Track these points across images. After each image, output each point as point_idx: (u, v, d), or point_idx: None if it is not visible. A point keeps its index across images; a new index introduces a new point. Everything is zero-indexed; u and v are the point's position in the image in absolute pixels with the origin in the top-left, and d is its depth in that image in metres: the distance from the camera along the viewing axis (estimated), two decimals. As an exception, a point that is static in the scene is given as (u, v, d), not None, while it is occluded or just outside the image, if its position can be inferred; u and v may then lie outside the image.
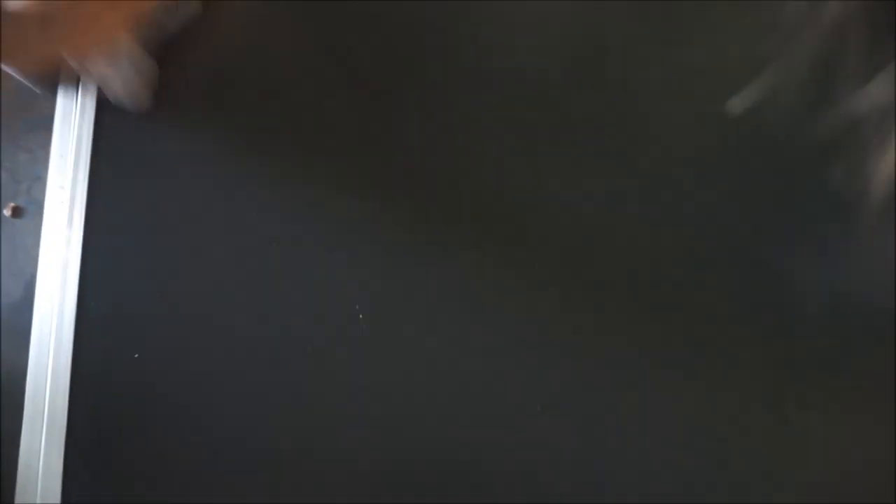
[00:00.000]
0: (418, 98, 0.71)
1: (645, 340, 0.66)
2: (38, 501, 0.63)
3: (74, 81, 0.71)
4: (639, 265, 0.68)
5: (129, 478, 0.65)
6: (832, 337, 0.66)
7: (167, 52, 0.70)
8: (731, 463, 0.64)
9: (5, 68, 0.63)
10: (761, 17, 0.71)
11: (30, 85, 0.70)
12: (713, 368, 0.66)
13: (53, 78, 0.71)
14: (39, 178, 0.71)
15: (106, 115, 0.71)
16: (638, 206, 0.69)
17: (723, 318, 0.67)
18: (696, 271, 0.67)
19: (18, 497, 0.63)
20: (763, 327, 0.66)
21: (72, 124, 0.71)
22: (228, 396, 0.67)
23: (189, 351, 0.67)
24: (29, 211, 0.70)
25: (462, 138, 0.70)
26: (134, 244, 0.69)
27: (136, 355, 0.67)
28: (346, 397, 0.66)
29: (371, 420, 0.65)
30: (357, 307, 0.66)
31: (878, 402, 0.65)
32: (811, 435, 0.64)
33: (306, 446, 0.65)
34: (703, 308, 0.67)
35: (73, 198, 0.70)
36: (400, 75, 0.72)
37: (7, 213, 0.64)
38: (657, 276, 0.67)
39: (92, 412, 0.66)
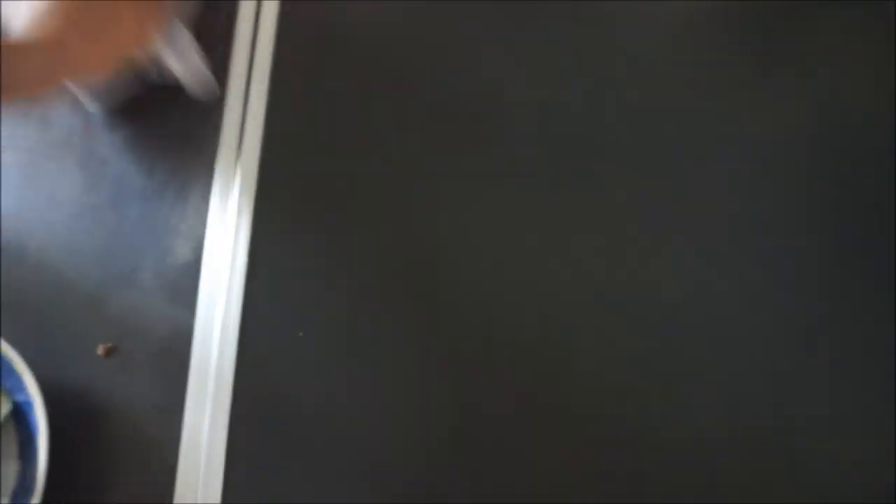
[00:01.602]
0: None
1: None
2: (202, 467, 0.63)
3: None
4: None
5: (293, 448, 0.63)
6: None
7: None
8: None
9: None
10: None
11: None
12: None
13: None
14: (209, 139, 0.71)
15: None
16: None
17: None
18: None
19: (182, 460, 0.63)
20: None
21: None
22: (392, 380, 0.64)
23: (358, 327, 0.65)
24: (200, 175, 0.70)
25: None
26: (305, 209, 0.68)
27: (301, 333, 0.65)
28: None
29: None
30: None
31: None
32: None
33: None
34: None
35: (244, 161, 0.69)
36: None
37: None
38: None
39: (257, 378, 0.65)
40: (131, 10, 0.61)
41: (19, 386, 0.60)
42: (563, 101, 0.70)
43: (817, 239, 0.66)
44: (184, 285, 0.67)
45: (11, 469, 0.60)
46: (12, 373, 0.60)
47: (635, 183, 0.68)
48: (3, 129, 0.72)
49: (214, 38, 0.72)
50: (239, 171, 0.69)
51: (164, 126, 0.71)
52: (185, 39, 0.66)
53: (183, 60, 0.67)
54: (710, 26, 0.73)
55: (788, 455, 0.61)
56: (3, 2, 0.60)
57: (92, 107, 0.71)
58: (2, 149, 0.72)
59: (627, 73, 0.71)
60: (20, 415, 0.60)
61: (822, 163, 0.68)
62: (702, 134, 0.69)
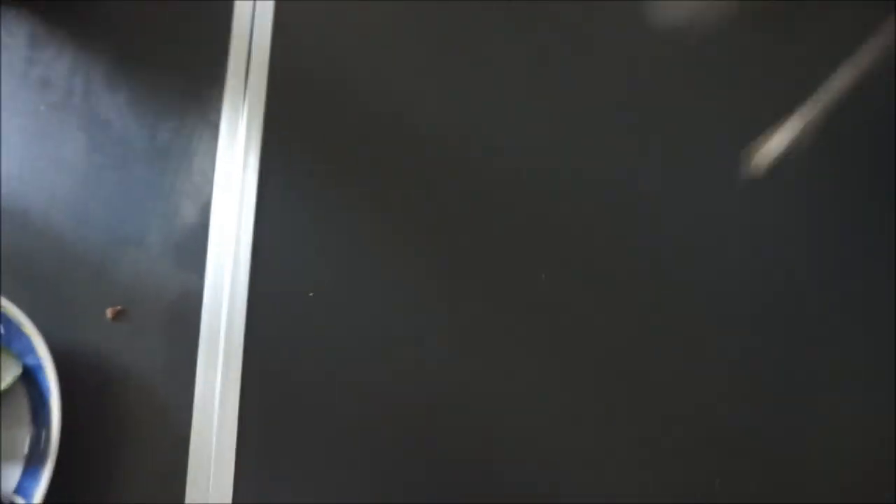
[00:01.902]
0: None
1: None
2: (214, 428, 0.62)
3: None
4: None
5: (304, 409, 0.62)
6: None
7: None
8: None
9: None
10: None
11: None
12: None
13: None
14: (214, 99, 0.69)
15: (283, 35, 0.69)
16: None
17: None
18: None
19: (195, 422, 0.62)
20: None
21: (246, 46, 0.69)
22: (403, 339, 0.63)
23: (366, 290, 0.64)
24: (205, 134, 0.68)
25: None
26: (312, 166, 0.66)
27: (311, 294, 0.64)
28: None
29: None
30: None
31: None
32: None
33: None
34: None
35: (249, 118, 0.67)
36: None
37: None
38: None
39: (268, 339, 0.64)
40: None
41: (29, 349, 0.59)
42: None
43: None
44: (191, 247, 0.66)
45: (24, 434, 0.59)
46: (21, 336, 0.59)
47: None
48: (2, 91, 0.71)
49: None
50: (243, 129, 0.67)
51: (167, 85, 0.70)
52: None
53: None
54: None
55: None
56: None
57: None
58: (2, 112, 0.70)
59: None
60: (31, 379, 0.59)
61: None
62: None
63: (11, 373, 0.59)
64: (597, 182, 0.66)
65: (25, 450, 0.58)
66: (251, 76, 0.69)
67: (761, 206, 0.65)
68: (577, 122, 0.67)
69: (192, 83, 0.69)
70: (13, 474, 0.57)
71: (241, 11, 0.70)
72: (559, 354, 0.62)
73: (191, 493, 0.60)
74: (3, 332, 0.59)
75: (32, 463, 0.57)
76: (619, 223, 0.65)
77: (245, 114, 0.68)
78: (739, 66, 0.68)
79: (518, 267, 0.65)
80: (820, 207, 0.65)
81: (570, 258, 0.64)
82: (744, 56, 0.69)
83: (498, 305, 0.64)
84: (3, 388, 0.58)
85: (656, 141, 0.66)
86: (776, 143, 0.63)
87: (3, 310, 0.59)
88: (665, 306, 0.63)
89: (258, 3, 0.70)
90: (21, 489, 0.57)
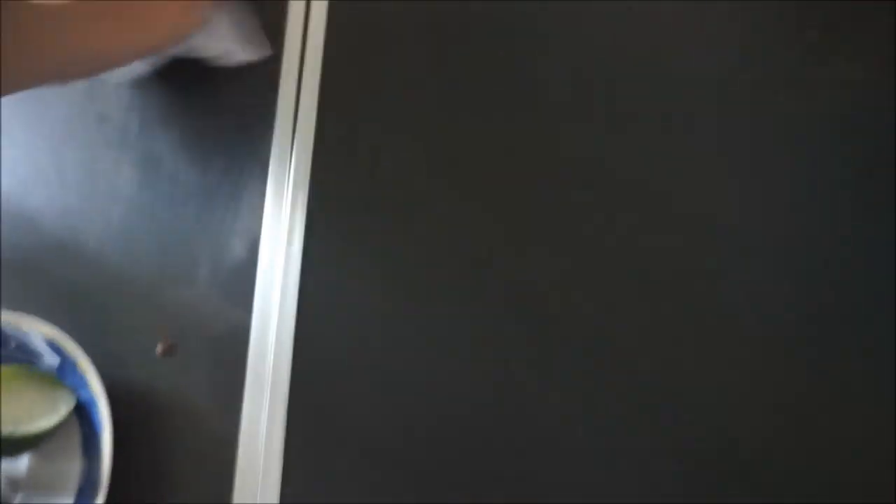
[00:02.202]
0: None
1: None
2: (260, 464, 0.62)
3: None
4: None
5: (350, 445, 0.63)
6: None
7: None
8: None
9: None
10: None
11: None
12: None
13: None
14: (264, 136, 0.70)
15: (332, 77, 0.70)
16: None
17: None
18: None
19: (240, 458, 0.63)
20: None
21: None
22: (448, 375, 0.63)
23: (412, 327, 0.64)
24: (254, 172, 0.69)
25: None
26: (360, 204, 0.67)
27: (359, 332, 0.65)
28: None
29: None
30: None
31: None
32: None
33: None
34: None
35: (297, 156, 0.68)
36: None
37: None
38: None
39: (314, 375, 0.64)
40: None
41: (82, 384, 0.60)
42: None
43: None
44: (240, 283, 0.67)
45: (76, 467, 0.60)
46: (75, 371, 0.61)
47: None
48: (62, 125, 0.73)
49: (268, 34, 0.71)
50: (293, 167, 0.68)
51: (218, 124, 0.71)
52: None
53: (232, 26, 0.66)
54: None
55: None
56: None
57: (139, 68, 0.68)
58: (62, 145, 0.72)
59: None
60: (83, 413, 0.61)
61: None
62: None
63: (66, 405, 0.60)
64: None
65: (79, 481, 0.60)
66: (300, 117, 0.70)
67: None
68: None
69: (243, 122, 0.71)
70: (65, 507, 0.59)
71: (290, 50, 0.71)
72: (604, 392, 0.62)
73: (237, 526, 0.61)
74: (59, 364, 0.61)
75: (84, 496, 0.59)
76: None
77: (294, 152, 0.69)
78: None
79: (563, 308, 0.64)
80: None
81: (618, 304, 0.64)
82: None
83: (543, 346, 0.63)
84: (59, 420, 0.60)
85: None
86: None
87: (59, 344, 0.61)
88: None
89: (308, 45, 0.71)
90: (73, 521, 0.58)
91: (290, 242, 0.67)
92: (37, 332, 0.61)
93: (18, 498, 0.61)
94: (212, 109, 0.71)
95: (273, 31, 0.72)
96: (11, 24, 0.48)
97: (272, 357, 0.65)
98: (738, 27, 0.68)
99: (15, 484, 0.61)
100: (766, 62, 0.67)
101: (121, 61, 0.62)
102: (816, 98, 0.65)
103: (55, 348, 0.61)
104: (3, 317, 0.62)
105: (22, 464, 0.62)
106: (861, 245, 0.63)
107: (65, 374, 0.61)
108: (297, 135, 0.69)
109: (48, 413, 0.60)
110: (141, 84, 0.72)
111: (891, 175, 0.63)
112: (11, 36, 0.48)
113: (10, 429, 0.58)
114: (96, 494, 0.57)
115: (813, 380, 0.61)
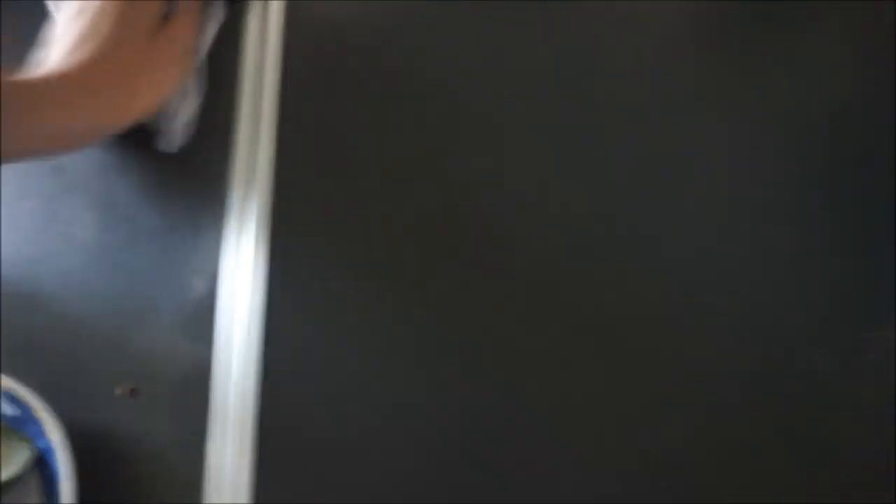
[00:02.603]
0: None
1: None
2: (227, 499, 0.61)
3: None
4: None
5: (318, 480, 0.62)
6: None
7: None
8: None
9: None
10: None
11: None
12: None
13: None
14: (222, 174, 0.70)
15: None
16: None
17: None
18: None
19: (208, 495, 0.62)
20: None
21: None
22: (419, 408, 0.63)
23: (389, 356, 0.64)
24: (214, 210, 0.69)
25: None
26: (322, 235, 0.67)
27: (326, 359, 0.64)
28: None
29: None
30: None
31: None
32: None
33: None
34: None
35: (258, 193, 0.69)
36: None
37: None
38: None
39: (280, 410, 0.64)
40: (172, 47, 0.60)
41: (41, 433, 0.59)
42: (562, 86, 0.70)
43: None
44: (202, 322, 0.67)
45: (36, 518, 0.59)
46: (34, 420, 0.59)
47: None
48: (18, 177, 0.73)
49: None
50: (253, 203, 0.69)
51: (177, 166, 0.71)
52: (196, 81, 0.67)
53: (184, 104, 0.67)
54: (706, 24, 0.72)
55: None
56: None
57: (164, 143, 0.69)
58: (18, 199, 0.72)
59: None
60: (42, 461, 0.59)
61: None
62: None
63: (24, 456, 0.59)
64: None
65: (38, 534, 0.58)
66: (259, 154, 0.70)
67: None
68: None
69: (200, 161, 0.71)
70: (26, 560, 0.57)
71: (249, 91, 0.72)
72: (582, 426, 0.62)
73: (205, 570, 0.60)
74: (17, 415, 0.60)
75: (46, 548, 0.57)
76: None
77: (255, 187, 0.69)
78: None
79: (539, 335, 0.64)
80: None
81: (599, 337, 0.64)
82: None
83: (518, 376, 0.63)
84: (17, 472, 0.58)
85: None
86: None
87: (16, 394, 0.59)
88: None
89: (264, 88, 0.72)
90: (34, 576, 0.56)
91: (253, 277, 0.67)
92: (-7, 384, 0.60)
93: (-21, 555, 0.59)
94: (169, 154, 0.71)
95: (228, 72, 0.73)
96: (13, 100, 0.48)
97: (237, 395, 0.64)
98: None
99: (-25, 540, 0.59)
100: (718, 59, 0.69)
101: (114, 132, 0.62)
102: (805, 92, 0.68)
103: (12, 399, 0.60)
104: (-42, 371, 0.60)
105: (-18, 518, 0.60)
106: (860, 249, 0.65)
107: (23, 425, 0.60)
108: (256, 170, 0.70)
109: (6, 465, 0.58)
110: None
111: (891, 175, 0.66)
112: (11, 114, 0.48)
113: (-33, 483, 0.56)
114: (57, 545, 0.56)
115: (812, 381, 0.61)
